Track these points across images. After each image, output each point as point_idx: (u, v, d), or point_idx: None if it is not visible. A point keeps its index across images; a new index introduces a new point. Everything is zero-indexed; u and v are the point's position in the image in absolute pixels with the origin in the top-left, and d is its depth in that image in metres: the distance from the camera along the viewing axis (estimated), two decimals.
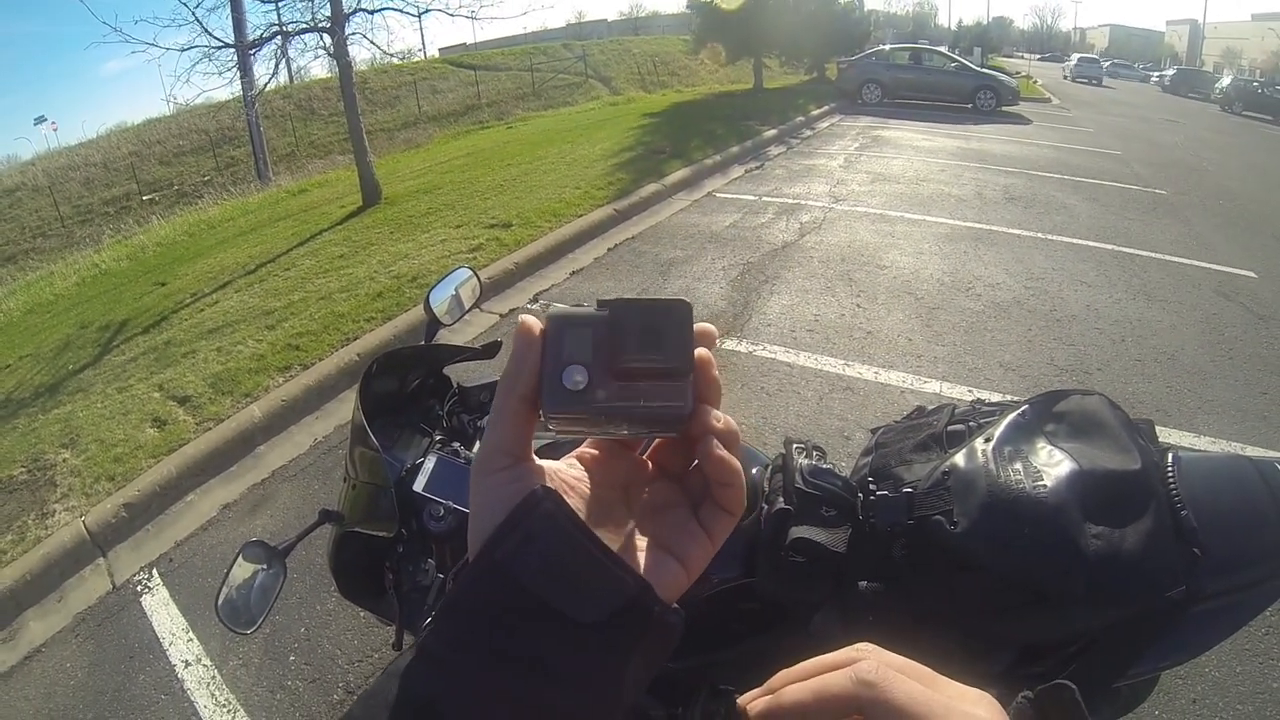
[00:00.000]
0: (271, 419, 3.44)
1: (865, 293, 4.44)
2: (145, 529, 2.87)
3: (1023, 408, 0.97)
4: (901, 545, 0.86)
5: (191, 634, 2.32)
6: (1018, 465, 0.87)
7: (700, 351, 0.31)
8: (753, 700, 0.34)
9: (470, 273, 1.41)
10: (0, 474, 3.27)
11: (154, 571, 2.64)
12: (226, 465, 3.20)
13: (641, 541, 0.32)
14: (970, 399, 1.11)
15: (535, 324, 0.31)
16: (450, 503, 0.98)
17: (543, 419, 0.30)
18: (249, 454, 3.28)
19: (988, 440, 0.91)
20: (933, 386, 3.34)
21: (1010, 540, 0.81)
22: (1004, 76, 15.33)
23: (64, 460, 3.29)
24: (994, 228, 5.81)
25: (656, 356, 0.29)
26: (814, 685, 0.32)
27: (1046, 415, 0.96)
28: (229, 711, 2.04)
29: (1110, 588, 0.80)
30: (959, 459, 0.89)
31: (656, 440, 0.35)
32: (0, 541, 2.79)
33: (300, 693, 2.05)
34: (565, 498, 0.31)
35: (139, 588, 2.57)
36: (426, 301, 1.28)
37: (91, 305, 6.66)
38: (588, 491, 0.33)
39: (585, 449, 0.35)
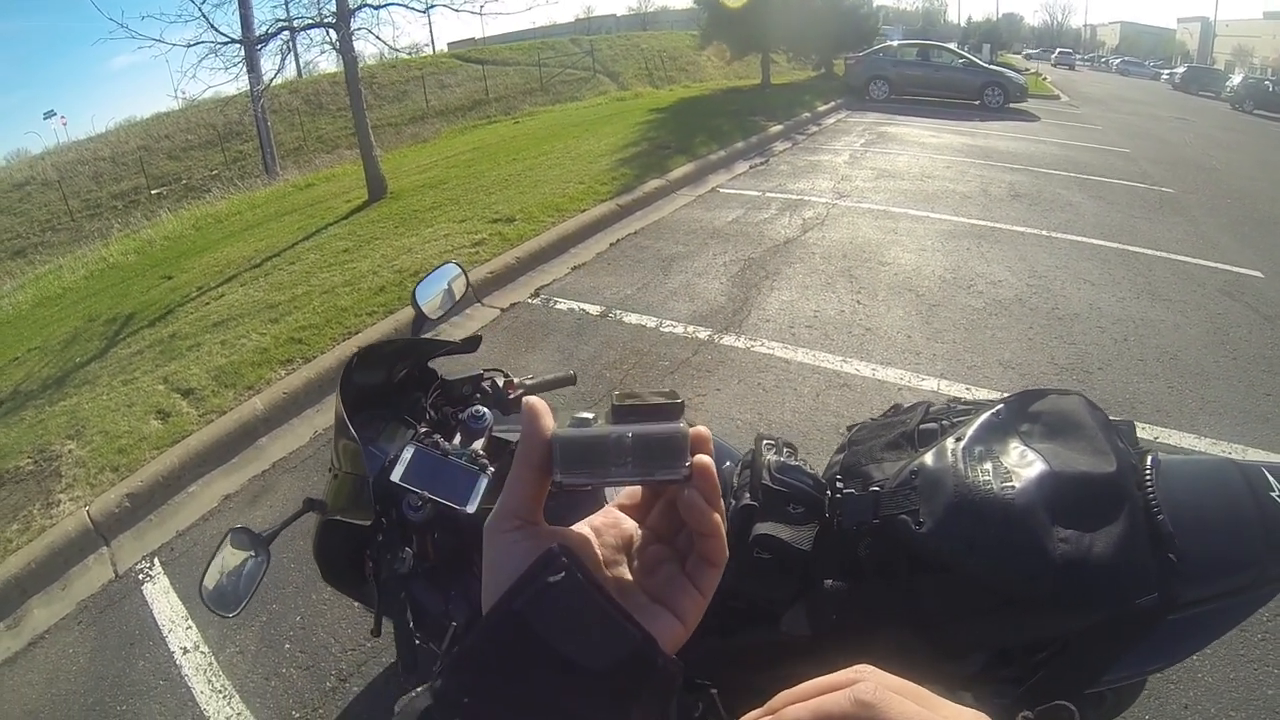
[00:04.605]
0: (273, 411, 3.47)
1: (866, 289, 4.43)
2: (148, 519, 2.91)
3: (997, 407, 0.95)
4: (867, 544, 0.85)
5: (190, 622, 2.36)
6: (987, 465, 0.86)
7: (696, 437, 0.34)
8: None
9: (459, 269, 1.42)
10: (7, 464, 3.32)
11: (155, 560, 2.68)
12: (228, 457, 3.24)
13: (642, 598, 0.35)
14: (969, 397, 1.11)
15: (540, 403, 0.34)
16: (426, 492, 1.00)
17: (556, 477, 0.32)
18: (251, 446, 3.31)
19: (958, 440, 0.90)
20: (930, 384, 3.33)
21: (976, 542, 0.80)
22: (1012, 73, 15.21)
23: (69, 451, 3.34)
24: (998, 225, 5.78)
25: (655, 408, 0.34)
26: (813, 706, 0.33)
27: (1022, 415, 0.94)
28: (225, 697, 2.07)
29: (1077, 593, 0.78)
30: (928, 458, 0.88)
31: (655, 508, 0.38)
32: (6, 530, 2.84)
33: (294, 680, 2.08)
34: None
35: (140, 576, 2.61)
36: (413, 296, 1.30)
37: (99, 299, 6.72)
38: (596, 553, 0.36)
39: (592, 518, 0.39)
